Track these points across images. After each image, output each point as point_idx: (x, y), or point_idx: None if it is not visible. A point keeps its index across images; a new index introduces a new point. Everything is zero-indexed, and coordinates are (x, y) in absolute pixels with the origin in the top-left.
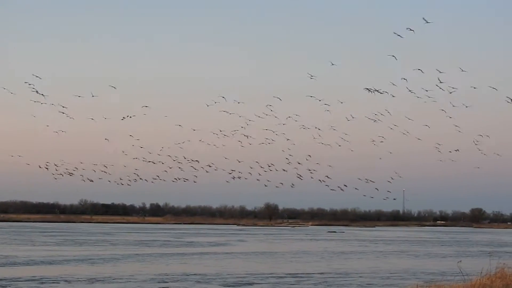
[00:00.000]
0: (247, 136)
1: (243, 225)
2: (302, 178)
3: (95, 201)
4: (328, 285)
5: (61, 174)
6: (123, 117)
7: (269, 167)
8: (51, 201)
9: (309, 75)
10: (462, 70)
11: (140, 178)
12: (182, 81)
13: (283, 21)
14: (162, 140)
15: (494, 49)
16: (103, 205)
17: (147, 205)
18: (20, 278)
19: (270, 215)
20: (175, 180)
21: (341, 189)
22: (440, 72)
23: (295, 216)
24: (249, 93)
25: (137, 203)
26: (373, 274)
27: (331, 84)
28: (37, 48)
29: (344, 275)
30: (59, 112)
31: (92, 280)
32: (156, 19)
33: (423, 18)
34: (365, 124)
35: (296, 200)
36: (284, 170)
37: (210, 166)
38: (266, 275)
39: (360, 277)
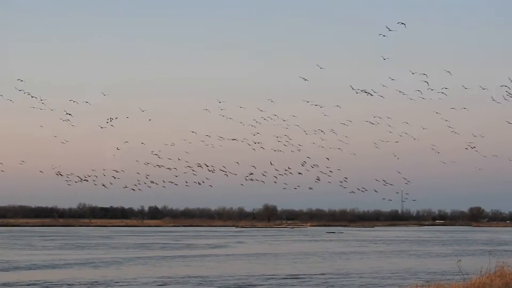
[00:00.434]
0: (256, 142)
1: (242, 226)
2: (319, 180)
3: (93, 205)
4: (329, 286)
5: (74, 181)
6: (108, 119)
7: (286, 171)
8: (50, 205)
9: (302, 78)
10: (448, 72)
11: (154, 183)
12: (181, 81)
13: (283, 21)
14: (168, 143)
15: (488, 48)
16: (102, 208)
17: (146, 208)
18: (23, 282)
19: (269, 216)
20: (187, 184)
21: (362, 191)
22: (426, 75)
23: (293, 217)
24: (247, 96)
25: (136, 206)
26: (373, 274)
27: (329, 85)
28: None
29: (345, 275)
30: (61, 119)
31: (94, 284)
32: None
33: (401, 23)
34: (363, 127)
35: (294, 201)
36: (299, 173)
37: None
38: (266, 276)
39: (361, 277)
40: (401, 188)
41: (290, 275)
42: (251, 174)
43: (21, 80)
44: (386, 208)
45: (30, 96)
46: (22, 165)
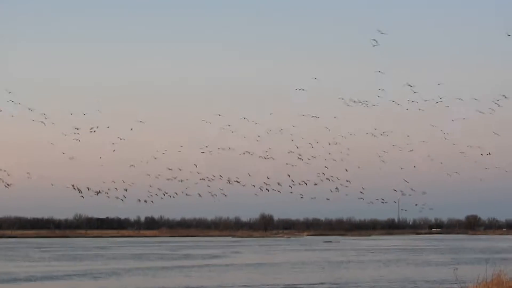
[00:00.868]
0: (249, 152)
1: (239, 236)
2: (338, 190)
3: (89, 215)
4: None
5: (90, 195)
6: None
7: (304, 182)
8: (46, 216)
9: (299, 89)
10: (438, 84)
11: (168, 195)
12: (181, 88)
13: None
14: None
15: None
16: (98, 219)
17: (142, 218)
18: None
19: (265, 226)
20: (199, 196)
21: (382, 202)
22: (411, 86)
23: (290, 226)
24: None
25: (132, 217)
26: (371, 283)
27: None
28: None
29: (343, 285)
30: (63, 133)
31: None
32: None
33: (378, 30)
34: (364, 139)
35: (291, 210)
36: (315, 184)
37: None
38: (264, 286)
39: (359, 286)
40: (398, 197)
41: (288, 285)
42: (267, 183)
43: (9, 92)
44: (382, 216)
45: (29, 110)
46: (16, 175)
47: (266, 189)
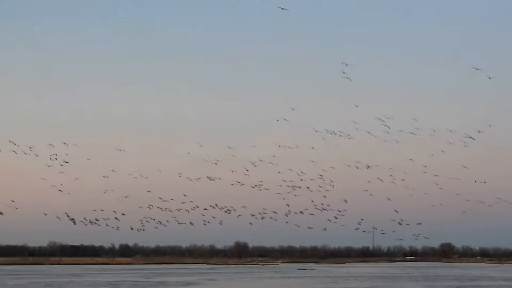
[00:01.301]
0: (239, 182)
1: (213, 264)
2: (336, 220)
3: (64, 243)
4: None
5: (84, 223)
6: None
7: (301, 212)
8: (20, 243)
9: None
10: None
11: (160, 223)
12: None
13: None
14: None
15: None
16: (72, 246)
17: (117, 246)
18: None
19: (240, 253)
20: (192, 224)
21: (382, 233)
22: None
23: (265, 254)
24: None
25: (106, 244)
26: None
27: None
28: None
29: None
30: (47, 164)
31: None
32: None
33: (343, 63)
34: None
35: (265, 238)
36: (311, 214)
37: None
38: None
39: None
40: (373, 225)
41: None
42: (263, 212)
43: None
44: (357, 244)
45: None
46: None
47: (262, 217)
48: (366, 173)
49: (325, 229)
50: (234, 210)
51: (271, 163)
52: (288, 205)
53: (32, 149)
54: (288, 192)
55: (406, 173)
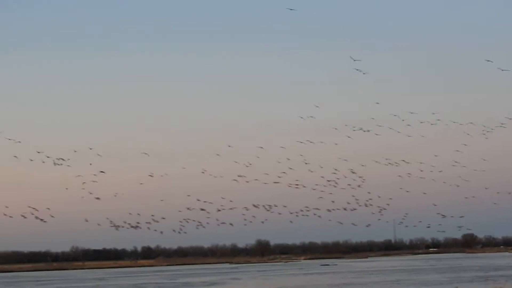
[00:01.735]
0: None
1: (236, 263)
2: (380, 216)
3: (86, 247)
4: None
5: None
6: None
7: (344, 209)
8: (43, 250)
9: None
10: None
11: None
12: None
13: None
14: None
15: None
16: (95, 250)
17: (139, 248)
18: None
19: (262, 252)
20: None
21: (428, 227)
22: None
23: (287, 251)
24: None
25: (129, 247)
26: None
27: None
28: None
29: None
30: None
31: None
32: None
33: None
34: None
35: (287, 235)
36: (354, 209)
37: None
38: None
39: None
40: (393, 218)
41: None
42: (304, 210)
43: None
44: (379, 238)
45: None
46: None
47: (302, 215)
48: (395, 169)
49: (369, 225)
50: (275, 206)
51: (304, 161)
52: (334, 201)
53: (63, 158)
54: (322, 190)
55: (434, 166)
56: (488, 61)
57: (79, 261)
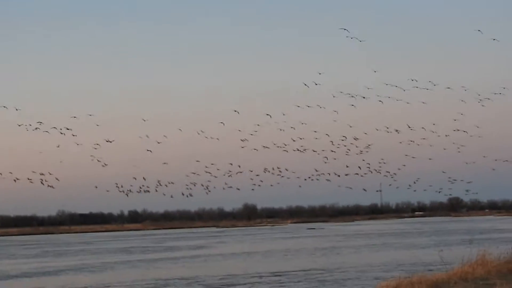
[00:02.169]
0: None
1: (223, 227)
2: (392, 182)
3: (72, 211)
4: (311, 282)
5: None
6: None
7: (356, 174)
8: (29, 214)
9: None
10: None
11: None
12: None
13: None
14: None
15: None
16: (81, 215)
17: (125, 212)
18: None
19: (249, 216)
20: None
21: (438, 192)
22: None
23: (273, 215)
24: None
25: (115, 211)
26: (355, 268)
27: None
28: None
29: (327, 270)
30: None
31: None
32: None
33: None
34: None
35: (274, 199)
36: (365, 174)
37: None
38: (246, 275)
39: (343, 271)
40: (380, 182)
41: (272, 272)
42: (315, 174)
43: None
44: (365, 202)
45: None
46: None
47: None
48: (397, 136)
49: (379, 190)
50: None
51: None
52: (347, 166)
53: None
54: (324, 157)
55: (435, 132)
56: (478, 31)
57: (65, 225)
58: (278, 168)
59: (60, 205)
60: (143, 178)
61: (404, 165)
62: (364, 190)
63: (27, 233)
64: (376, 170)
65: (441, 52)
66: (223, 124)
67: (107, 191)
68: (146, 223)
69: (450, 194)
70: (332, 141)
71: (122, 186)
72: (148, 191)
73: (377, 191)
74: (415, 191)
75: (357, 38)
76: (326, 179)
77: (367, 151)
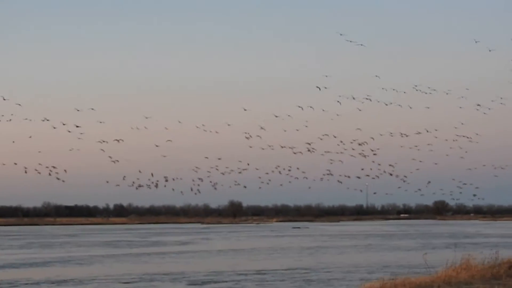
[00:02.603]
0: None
1: (208, 223)
2: (405, 185)
3: (58, 203)
4: (296, 281)
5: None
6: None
7: (374, 177)
8: (14, 204)
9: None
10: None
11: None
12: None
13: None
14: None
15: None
16: (67, 207)
17: (111, 206)
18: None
19: (235, 213)
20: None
21: (450, 195)
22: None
23: (259, 213)
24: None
25: (101, 204)
26: (338, 268)
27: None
28: None
29: (311, 270)
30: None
31: (60, 283)
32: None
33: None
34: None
35: (260, 197)
36: (376, 176)
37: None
38: (231, 272)
39: (327, 271)
40: (366, 183)
41: (256, 270)
42: (328, 174)
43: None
44: (351, 202)
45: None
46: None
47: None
48: (403, 140)
49: (361, 190)
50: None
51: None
52: (363, 169)
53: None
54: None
55: (437, 138)
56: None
57: (50, 217)
58: (289, 167)
59: (46, 196)
60: (151, 174)
61: (418, 169)
62: (374, 193)
63: (12, 224)
64: (388, 173)
65: (442, 57)
66: (229, 125)
67: (117, 185)
68: (132, 217)
69: (458, 199)
70: (340, 142)
71: (134, 182)
72: (157, 186)
73: (361, 190)
74: (422, 195)
75: (357, 43)
76: (338, 181)
77: (374, 154)
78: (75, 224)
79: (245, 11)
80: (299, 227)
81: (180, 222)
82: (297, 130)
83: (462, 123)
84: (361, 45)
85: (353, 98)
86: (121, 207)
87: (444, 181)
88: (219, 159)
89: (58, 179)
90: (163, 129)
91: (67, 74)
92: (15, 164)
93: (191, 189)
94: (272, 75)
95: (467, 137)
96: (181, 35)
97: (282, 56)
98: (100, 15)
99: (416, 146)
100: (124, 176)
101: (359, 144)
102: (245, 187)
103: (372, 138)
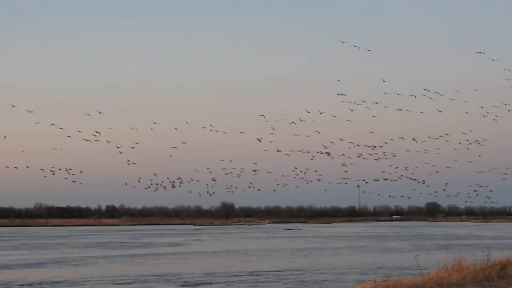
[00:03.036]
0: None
1: (200, 224)
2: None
3: (50, 204)
4: (289, 282)
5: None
6: None
7: (385, 179)
8: (6, 206)
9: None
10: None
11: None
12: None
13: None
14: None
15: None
16: (59, 208)
17: (103, 207)
18: None
19: (227, 214)
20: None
21: (469, 197)
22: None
23: (251, 215)
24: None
25: (93, 205)
26: (331, 270)
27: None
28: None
29: (303, 271)
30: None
31: (53, 284)
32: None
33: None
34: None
35: (252, 199)
36: (386, 179)
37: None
38: (224, 273)
39: (320, 273)
40: (359, 185)
41: (248, 272)
42: (340, 178)
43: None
44: (343, 204)
45: None
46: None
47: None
48: (414, 145)
49: (409, 198)
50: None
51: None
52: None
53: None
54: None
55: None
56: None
57: (42, 218)
58: (304, 170)
59: (37, 197)
60: (167, 178)
61: (437, 172)
62: (392, 196)
63: (3, 225)
64: (408, 177)
65: (442, 58)
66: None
67: (133, 187)
68: (124, 219)
69: (471, 201)
70: (352, 145)
71: (156, 183)
72: (174, 187)
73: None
74: (436, 196)
75: (362, 48)
76: (345, 183)
77: (386, 158)
78: (67, 226)
79: (245, 11)
80: (291, 229)
81: (172, 223)
82: (296, 135)
83: (470, 130)
84: (368, 50)
85: (347, 102)
86: (113, 208)
87: (458, 184)
88: (221, 160)
89: (74, 181)
90: (164, 129)
91: (67, 74)
92: (7, 167)
93: (189, 191)
94: (272, 75)
95: (477, 141)
96: (181, 35)
97: (282, 56)
98: (100, 15)
99: (427, 150)
100: (139, 178)
101: (359, 146)
102: (236, 188)
103: (385, 142)
